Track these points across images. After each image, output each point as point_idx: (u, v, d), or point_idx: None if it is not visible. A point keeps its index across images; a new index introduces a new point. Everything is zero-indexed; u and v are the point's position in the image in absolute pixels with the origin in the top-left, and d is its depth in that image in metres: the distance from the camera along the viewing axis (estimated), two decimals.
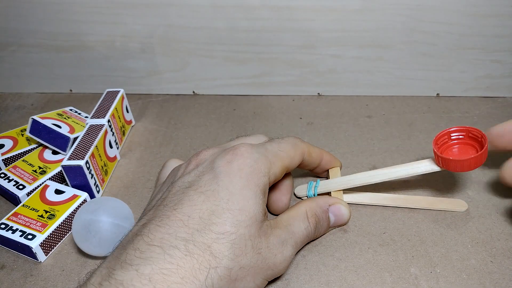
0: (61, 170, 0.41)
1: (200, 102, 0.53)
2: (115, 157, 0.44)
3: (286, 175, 0.36)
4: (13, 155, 0.43)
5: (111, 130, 0.44)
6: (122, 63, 0.53)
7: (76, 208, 0.37)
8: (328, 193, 0.37)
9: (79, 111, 0.49)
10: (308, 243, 0.34)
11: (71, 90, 0.56)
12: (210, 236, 0.26)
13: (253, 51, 0.51)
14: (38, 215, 0.36)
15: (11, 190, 0.39)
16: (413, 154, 0.44)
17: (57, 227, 0.36)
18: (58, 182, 0.41)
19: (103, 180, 0.41)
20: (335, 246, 0.34)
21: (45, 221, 0.36)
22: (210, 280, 0.25)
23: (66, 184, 0.39)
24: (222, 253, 0.26)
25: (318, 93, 0.53)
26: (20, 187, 0.39)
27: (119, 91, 0.48)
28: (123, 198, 0.40)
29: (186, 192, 0.29)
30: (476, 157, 0.30)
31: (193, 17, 0.49)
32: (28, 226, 0.35)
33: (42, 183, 0.40)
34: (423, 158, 0.39)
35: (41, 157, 0.43)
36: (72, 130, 0.43)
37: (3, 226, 0.35)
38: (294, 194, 0.39)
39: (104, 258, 0.35)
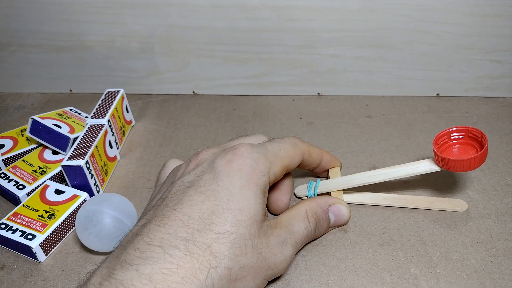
0: (61, 170, 0.41)
1: (200, 102, 0.53)
2: (115, 157, 0.44)
3: (286, 175, 0.36)
4: (13, 155, 0.43)
5: (111, 130, 0.44)
6: (122, 63, 0.53)
7: (76, 208, 0.37)
8: (328, 193, 0.37)
9: (79, 111, 0.49)
10: (308, 243, 0.34)
11: (71, 90, 0.56)
12: (210, 235, 0.26)
13: (253, 51, 0.51)
14: (38, 215, 0.36)
15: (11, 190, 0.39)
16: (413, 154, 0.44)
17: (57, 227, 0.36)
18: (58, 182, 0.41)
19: (103, 180, 0.41)
20: (335, 246, 0.34)
21: (45, 221, 0.36)
22: (210, 280, 0.25)
23: (66, 184, 0.39)
24: (222, 253, 0.26)
25: (318, 93, 0.53)
26: (20, 187, 0.39)
27: (119, 91, 0.48)
28: None
29: (186, 192, 0.29)
30: (476, 157, 0.30)
31: (193, 17, 0.49)
32: (28, 226, 0.35)
33: (42, 183, 0.40)
34: (423, 158, 0.39)
35: (41, 157, 0.43)
36: (72, 130, 0.43)
37: (3, 226, 0.35)
38: (294, 194, 0.39)
39: (101, 254, 0.35)
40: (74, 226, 0.37)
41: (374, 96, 0.52)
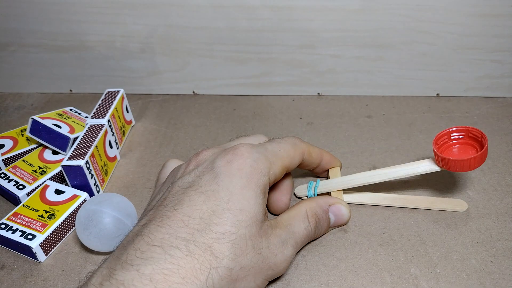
0: (61, 170, 0.41)
1: (200, 102, 0.53)
2: (115, 157, 0.44)
3: (286, 175, 0.36)
4: (13, 155, 0.43)
5: (111, 130, 0.44)
6: (122, 63, 0.53)
7: (76, 208, 0.37)
8: (328, 193, 0.37)
9: (79, 111, 0.49)
10: (308, 243, 0.34)
11: (71, 90, 0.56)
12: (211, 236, 0.26)
13: (253, 51, 0.51)
14: (38, 215, 0.36)
15: (11, 190, 0.39)
16: (413, 154, 0.44)
17: (57, 227, 0.36)
18: (58, 182, 0.41)
19: (103, 180, 0.41)
20: (335, 246, 0.34)
21: (45, 221, 0.36)
22: (211, 280, 0.25)
23: (66, 184, 0.39)
24: (222, 253, 0.26)
25: (318, 93, 0.53)
26: (20, 187, 0.39)
27: (119, 91, 0.48)
28: None
29: (187, 192, 0.29)
30: (476, 157, 0.30)
31: (193, 17, 0.49)
32: (28, 226, 0.35)
33: (42, 183, 0.40)
34: (423, 158, 0.39)
35: (41, 157, 0.43)
36: (72, 130, 0.43)
37: (3, 226, 0.35)
38: (294, 194, 0.39)
39: (101, 254, 0.35)
40: (74, 226, 0.37)
41: (374, 96, 0.52)
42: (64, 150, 0.42)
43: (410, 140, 0.45)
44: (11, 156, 0.43)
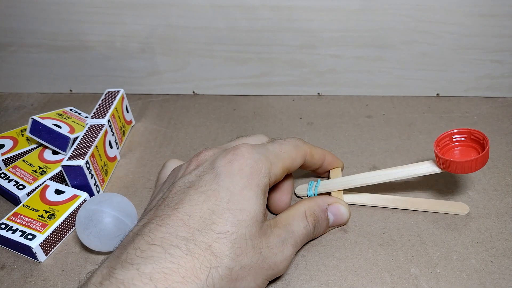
0: (61, 170, 0.41)
1: (200, 102, 0.53)
2: (115, 157, 0.44)
3: (287, 175, 0.36)
4: (13, 155, 0.43)
5: (111, 130, 0.44)
6: (122, 63, 0.53)
7: (76, 208, 0.37)
8: (329, 193, 0.37)
9: (79, 111, 0.49)
10: (308, 243, 0.34)
11: (71, 90, 0.56)
12: (211, 235, 0.26)
13: (253, 51, 0.51)
14: (38, 215, 0.36)
15: (11, 190, 0.39)
16: (413, 154, 0.44)
17: (57, 227, 0.36)
18: (58, 182, 0.41)
19: (103, 180, 0.41)
20: (335, 246, 0.34)
21: (45, 221, 0.36)
22: (211, 280, 0.25)
23: (66, 184, 0.39)
24: (223, 253, 0.26)
25: (318, 93, 0.53)
26: (20, 187, 0.39)
27: (119, 91, 0.48)
28: None
29: (187, 192, 0.29)
30: (477, 159, 0.30)
31: (193, 17, 0.49)
32: (28, 226, 0.35)
33: (42, 183, 0.40)
34: (423, 158, 0.39)
35: (41, 157, 0.43)
36: (72, 130, 0.43)
37: (3, 226, 0.35)
38: (295, 194, 0.39)
39: (101, 254, 0.35)
40: (74, 226, 0.37)
41: (374, 96, 0.52)
42: (64, 150, 0.42)
43: (410, 140, 0.45)
44: (11, 156, 0.43)
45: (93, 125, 0.43)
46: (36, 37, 0.52)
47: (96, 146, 0.40)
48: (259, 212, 0.29)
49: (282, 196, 0.36)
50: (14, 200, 0.39)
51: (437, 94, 0.52)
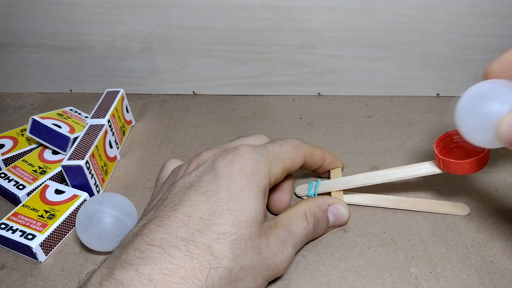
0: (61, 170, 0.41)
1: (200, 102, 0.53)
2: (115, 157, 0.44)
3: (287, 175, 0.36)
4: (13, 155, 0.43)
5: (111, 130, 0.44)
6: (122, 63, 0.53)
7: (76, 208, 0.37)
8: (329, 193, 0.37)
9: (79, 111, 0.49)
10: (308, 243, 0.34)
11: (71, 90, 0.56)
12: (211, 236, 0.26)
13: (253, 51, 0.51)
14: (38, 215, 0.36)
15: (11, 190, 0.39)
16: (413, 154, 0.44)
17: (57, 227, 0.36)
18: (58, 182, 0.41)
19: (103, 180, 0.41)
20: (335, 246, 0.34)
21: (45, 221, 0.36)
22: (210, 280, 0.25)
23: (66, 184, 0.39)
24: (222, 253, 0.26)
25: (318, 93, 0.53)
26: (20, 187, 0.39)
27: (119, 91, 0.48)
28: None
29: (187, 192, 0.29)
30: (478, 160, 0.30)
31: (193, 17, 0.49)
32: (28, 226, 0.35)
33: (42, 183, 0.40)
34: (423, 158, 0.39)
35: (41, 157, 0.43)
36: (72, 130, 0.43)
37: (3, 226, 0.35)
38: (295, 194, 0.39)
39: (101, 254, 0.35)
40: (74, 226, 0.37)
41: (374, 96, 0.52)
42: (64, 150, 0.42)
43: (410, 140, 0.45)
44: (11, 156, 0.43)
45: (93, 125, 0.43)
46: (36, 37, 0.52)
47: (96, 146, 0.40)
48: (259, 213, 0.28)
49: (282, 196, 0.36)
50: (14, 200, 0.39)
51: (437, 94, 0.52)
